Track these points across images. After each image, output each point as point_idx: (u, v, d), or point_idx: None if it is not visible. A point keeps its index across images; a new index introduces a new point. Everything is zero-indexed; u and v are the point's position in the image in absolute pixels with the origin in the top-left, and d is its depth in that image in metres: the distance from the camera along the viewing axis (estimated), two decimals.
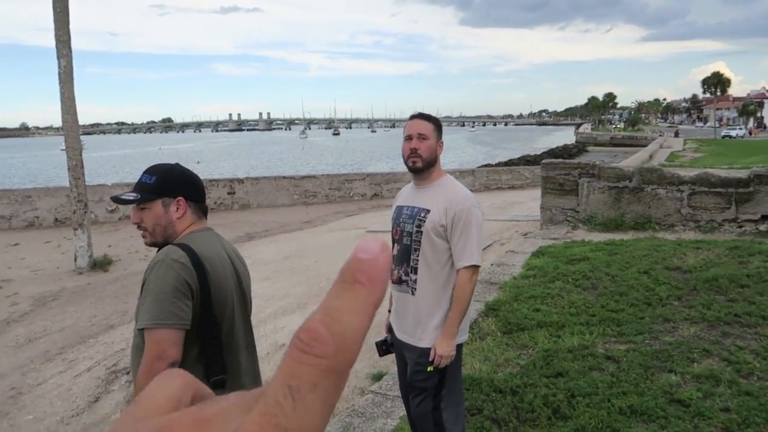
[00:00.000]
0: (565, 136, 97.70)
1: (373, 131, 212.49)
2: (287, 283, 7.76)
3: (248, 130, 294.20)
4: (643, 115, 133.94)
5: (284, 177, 18.79)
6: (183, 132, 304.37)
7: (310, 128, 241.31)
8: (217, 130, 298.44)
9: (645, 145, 42.04)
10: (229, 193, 17.19)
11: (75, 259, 10.32)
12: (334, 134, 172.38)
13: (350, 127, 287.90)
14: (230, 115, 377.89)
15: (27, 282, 9.58)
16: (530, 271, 5.99)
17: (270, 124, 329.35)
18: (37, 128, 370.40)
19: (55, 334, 7.06)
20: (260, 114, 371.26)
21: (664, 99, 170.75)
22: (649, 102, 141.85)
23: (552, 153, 51.70)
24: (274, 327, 6.02)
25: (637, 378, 3.54)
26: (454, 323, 2.25)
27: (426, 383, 2.32)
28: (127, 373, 5.27)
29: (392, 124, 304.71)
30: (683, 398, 3.24)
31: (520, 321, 4.55)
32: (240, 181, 17.89)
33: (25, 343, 6.85)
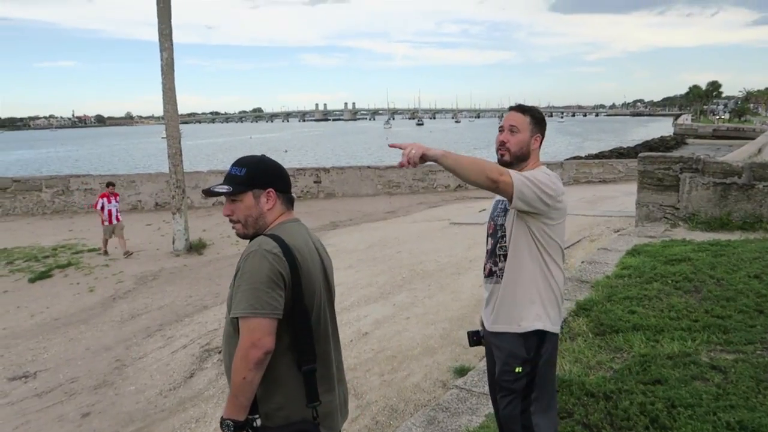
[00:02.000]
0: (661, 128, 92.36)
1: (457, 122, 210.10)
2: (370, 272, 7.82)
3: (333, 120, 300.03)
4: (751, 105, 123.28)
5: (368, 167, 18.97)
6: (272, 121, 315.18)
7: (393, 118, 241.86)
8: (303, 120, 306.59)
9: (752, 138, 38.83)
10: (315, 182, 17.60)
11: (173, 242, 10.97)
12: (418, 124, 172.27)
13: (434, 117, 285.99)
14: (316, 105, 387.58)
15: (130, 262, 10.29)
16: (625, 270, 5.67)
17: (354, 114, 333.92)
18: (140, 117, 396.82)
19: (155, 311, 7.53)
20: (345, 104, 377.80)
21: None
22: (759, 91, 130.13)
23: (647, 145, 49.09)
24: (357, 315, 6.08)
25: (747, 391, 3.25)
26: (451, 156, 1.98)
27: (514, 385, 2.22)
28: (219, 352, 5.52)
29: (477, 114, 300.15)
30: None
31: (614, 323, 4.31)
32: (326, 170, 18.26)
33: (128, 318, 7.36)
